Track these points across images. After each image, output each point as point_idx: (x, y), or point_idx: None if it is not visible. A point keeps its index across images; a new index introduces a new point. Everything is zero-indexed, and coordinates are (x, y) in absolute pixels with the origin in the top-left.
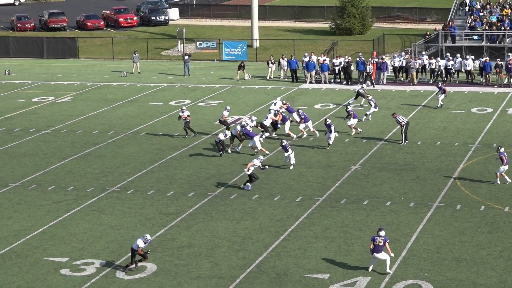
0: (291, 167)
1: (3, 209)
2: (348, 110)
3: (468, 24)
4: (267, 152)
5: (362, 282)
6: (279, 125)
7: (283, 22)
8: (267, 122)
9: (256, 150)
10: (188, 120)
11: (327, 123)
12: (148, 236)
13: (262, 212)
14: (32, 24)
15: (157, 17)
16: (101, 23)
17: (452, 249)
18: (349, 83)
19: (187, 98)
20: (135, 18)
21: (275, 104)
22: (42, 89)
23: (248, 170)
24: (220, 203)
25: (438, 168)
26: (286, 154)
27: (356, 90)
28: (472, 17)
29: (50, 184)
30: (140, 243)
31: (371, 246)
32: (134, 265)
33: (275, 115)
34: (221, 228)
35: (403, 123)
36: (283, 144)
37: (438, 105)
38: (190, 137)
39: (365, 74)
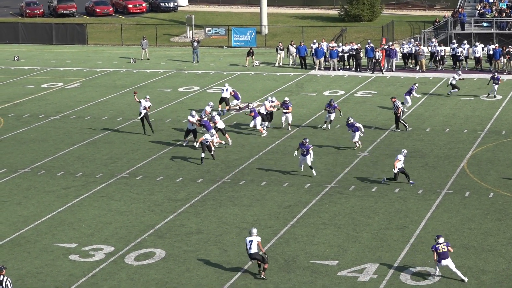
0: (314, 174)
1: (12, 195)
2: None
3: (478, 11)
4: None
5: (370, 269)
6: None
7: (292, 9)
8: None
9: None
10: (147, 112)
11: (349, 122)
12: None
13: (271, 198)
14: (41, 10)
15: (166, 3)
16: (110, 9)
17: (461, 236)
18: (358, 70)
19: (196, 84)
20: (144, 4)
21: (226, 90)
22: (51, 75)
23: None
24: (228, 189)
25: (447, 155)
26: (302, 157)
27: (450, 82)
28: (481, 3)
29: (59, 170)
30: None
31: (435, 257)
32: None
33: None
34: (229, 215)
35: (400, 109)
36: (305, 144)
37: (493, 95)
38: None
39: (373, 61)
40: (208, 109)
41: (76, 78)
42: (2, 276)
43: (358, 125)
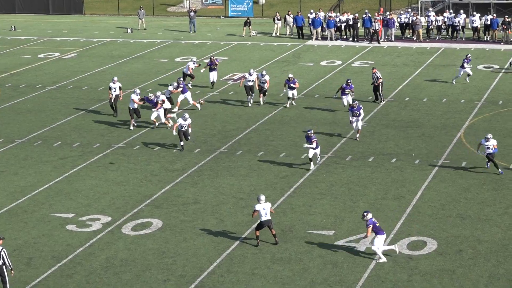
0: (311, 167)
1: (9, 165)
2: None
3: None
4: (169, 125)
5: (367, 239)
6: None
7: None
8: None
9: (157, 123)
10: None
11: (354, 108)
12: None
13: (268, 168)
14: None
15: None
16: None
17: (457, 206)
18: (355, 40)
19: (193, 54)
20: None
21: (194, 62)
22: (47, 45)
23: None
24: (225, 159)
25: (444, 125)
26: (310, 148)
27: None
28: None
29: (56, 140)
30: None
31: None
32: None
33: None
34: (226, 185)
35: (380, 80)
36: (309, 135)
37: (463, 78)
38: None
39: (372, 31)
40: (191, 65)
41: (72, 48)
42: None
43: (362, 112)
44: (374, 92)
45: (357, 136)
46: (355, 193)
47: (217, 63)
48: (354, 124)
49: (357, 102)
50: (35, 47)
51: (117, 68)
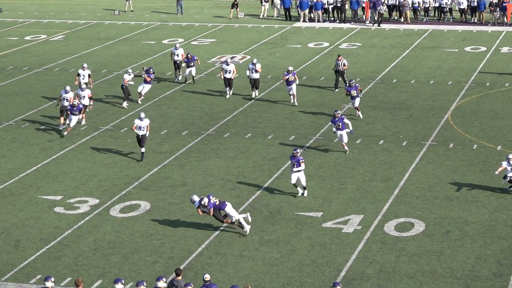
0: (299, 193)
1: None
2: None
3: None
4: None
5: (354, 220)
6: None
7: None
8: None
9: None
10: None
11: (336, 118)
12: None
13: (255, 151)
14: None
15: None
16: None
17: (445, 187)
18: (343, 21)
19: (180, 36)
20: None
21: (129, 74)
22: (34, 27)
23: None
24: (213, 141)
25: (431, 106)
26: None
27: None
28: None
29: (43, 122)
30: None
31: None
32: None
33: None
34: (214, 167)
35: (346, 66)
36: (295, 154)
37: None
38: (184, 76)
39: (381, 13)
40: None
41: (59, 30)
42: None
43: (346, 121)
44: (336, 80)
45: (345, 148)
46: (343, 175)
47: (196, 59)
48: (338, 137)
49: (339, 111)
50: (21, 29)
51: (104, 50)
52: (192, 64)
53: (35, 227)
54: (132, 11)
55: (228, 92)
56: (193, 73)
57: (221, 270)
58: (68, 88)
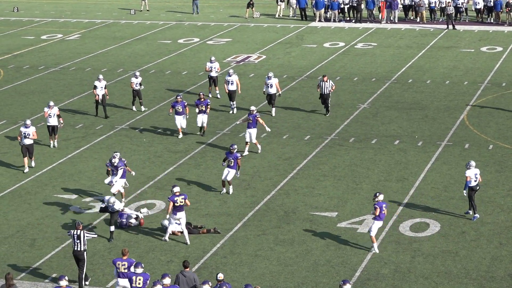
0: (224, 191)
1: (12, 146)
2: None
3: None
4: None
5: (370, 221)
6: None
7: None
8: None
9: None
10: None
11: (231, 153)
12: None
13: (271, 150)
14: None
15: None
16: None
17: (460, 188)
18: (359, 21)
19: (196, 36)
20: None
21: (137, 76)
22: (50, 27)
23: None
24: (228, 141)
25: (447, 107)
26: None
27: None
28: None
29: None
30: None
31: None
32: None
33: None
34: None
35: (333, 88)
36: (232, 151)
37: None
38: (196, 76)
39: (447, 13)
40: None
41: (75, 30)
42: (79, 231)
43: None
44: (324, 104)
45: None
46: (358, 175)
47: (208, 103)
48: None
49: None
50: (38, 28)
51: (120, 49)
52: (203, 108)
53: (51, 226)
54: (148, 10)
55: (232, 107)
56: (205, 122)
57: (236, 270)
58: (28, 122)
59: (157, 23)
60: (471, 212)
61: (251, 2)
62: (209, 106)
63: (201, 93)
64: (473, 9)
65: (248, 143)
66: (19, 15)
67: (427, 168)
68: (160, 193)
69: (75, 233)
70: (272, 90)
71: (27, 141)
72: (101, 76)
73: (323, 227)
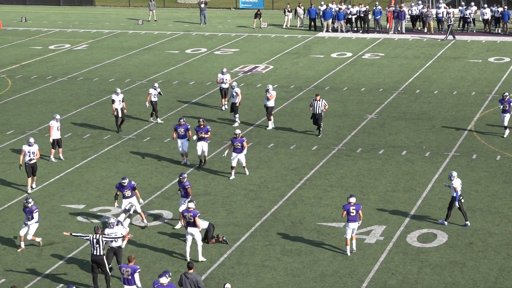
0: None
1: (20, 156)
2: None
3: None
4: None
5: (377, 231)
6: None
7: None
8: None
9: None
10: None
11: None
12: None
13: (278, 160)
14: None
15: None
16: None
17: (468, 198)
18: (366, 32)
19: (203, 46)
20: None
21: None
22: (58, 37)
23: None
24: None
25: (454, 117)
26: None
27: None
28: None
29: (67, 131)
30: None
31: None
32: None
33: None
34: (236, 177)
35: (326, 107)
36: (237, 137)
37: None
38: (201, 86)
39: (448, 24)
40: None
41: (83, 40)
42: (98, 235)
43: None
44: (317, 125)
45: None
46: (366, 186)
47: (208, 130)
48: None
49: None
50: (46, 38)
51: (127, 59)
52: (204, 135)
53: (58, 236)
54: (155, 20)
55: (235, 119)
56: (206, 151)
57: (243, 280)
58: (31, 140)
59: (164, 33)
60: (446, 222)
61: (259, 13)
62: (209, 133)
63: (200, 119)
64: (481, 19)
65: (234, 168)
66: (27, 25)
67: (435, 178)
68: (167, 203)
69: (94, 237)
70: (270, 103)
71: (31, 161)
72: (118, 90)
73: (330, 237)
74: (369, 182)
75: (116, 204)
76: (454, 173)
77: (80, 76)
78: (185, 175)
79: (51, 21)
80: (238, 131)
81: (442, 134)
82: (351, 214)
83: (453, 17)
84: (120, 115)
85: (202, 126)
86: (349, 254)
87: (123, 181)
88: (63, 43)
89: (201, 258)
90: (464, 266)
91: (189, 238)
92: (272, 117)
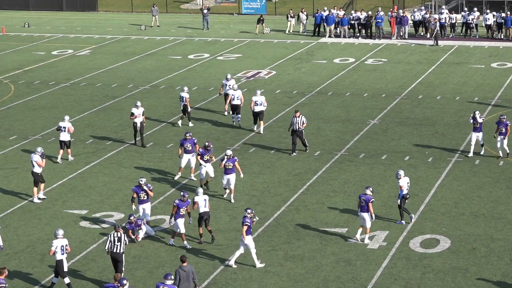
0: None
1: (23, 162)
2: None
3: None
4: None
5: (380, 236)
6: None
7: None
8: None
9: None
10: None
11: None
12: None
13: (281, 166)
14: None
15: None
16: None
17: (470, 204)
18: (370, 37)
19: (206, 51)
20: None
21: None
22: (61, 42)
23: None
24: (238, 156)
25: (457, 123)
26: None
27: None
28: None
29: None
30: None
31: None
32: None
33: None
34: (239, 182)
35: (305, 125)
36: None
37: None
38: (205, 91)
39: (435, 30)
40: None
41: (86, 45)
42: (119, 233)
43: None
44: (301, 141)
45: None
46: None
47: (211, 157)
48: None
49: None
50: (48, 44)
51: (130, 65)
52: (209, 158)
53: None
54: (158, 26)
55: (238, 119)
56: (210, 173)
57: (246, 286)
58: (39, 149)
59: (167, 39)
60: (403, 221)
61: (261, 18)
62: (213, 158)
63: (206, 142)
64: (483, 25)
65: (227, 188)
66: (30, 30)
67: (437, 184)
68: (170, 208)
69: (115, 235)
70: (258, 108)
71: (36, 169)
72: (138, 103)
73: (333, 243)
74: (372, 188)
75: (133, 207)
76: (401, 172)
77: (83, 81)
78: (187, 195)
79: (54, 26)
80: (229, 152)
81: (445, 140)
82: (362, 204)
83: (455, 21)
84: (138, 128)
85: (208, 149)
86: (353, 240)
87: (141, 180)
88: (66, 49)
89: (258, 265)
90: (467, 271)
91: (242, 249)
92: (262, 123)
